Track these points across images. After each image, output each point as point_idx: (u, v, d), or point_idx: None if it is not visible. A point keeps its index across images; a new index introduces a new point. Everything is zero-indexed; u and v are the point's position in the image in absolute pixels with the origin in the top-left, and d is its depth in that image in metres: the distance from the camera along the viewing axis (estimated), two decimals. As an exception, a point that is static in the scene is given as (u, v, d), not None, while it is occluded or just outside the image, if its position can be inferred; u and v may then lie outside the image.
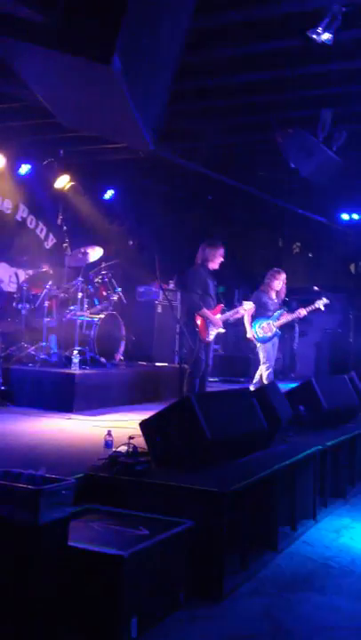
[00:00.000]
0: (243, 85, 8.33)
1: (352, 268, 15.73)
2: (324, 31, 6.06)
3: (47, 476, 3.30)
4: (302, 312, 8.63)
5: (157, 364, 10.34)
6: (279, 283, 8.68)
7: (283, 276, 8.71)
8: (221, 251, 7.76)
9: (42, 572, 3.09)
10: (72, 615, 3.24)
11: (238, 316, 8.12)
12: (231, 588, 3.88)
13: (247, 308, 8.11)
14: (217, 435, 4.47)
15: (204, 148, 10.46)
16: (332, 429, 6.16)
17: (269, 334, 8.48)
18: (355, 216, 14.21)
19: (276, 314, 8.53)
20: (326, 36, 6.09)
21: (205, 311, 7.48)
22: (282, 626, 3.48)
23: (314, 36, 6.14)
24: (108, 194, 12.09)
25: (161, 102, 4.64)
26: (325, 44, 6.20)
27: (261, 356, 8.55)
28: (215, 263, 7.72)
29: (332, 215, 14.30)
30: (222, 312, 7.80)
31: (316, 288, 13.38)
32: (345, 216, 14.29)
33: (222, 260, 7.80)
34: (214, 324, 7.55)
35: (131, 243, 11.66)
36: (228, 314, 7.87)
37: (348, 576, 4.20)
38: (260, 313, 8.47)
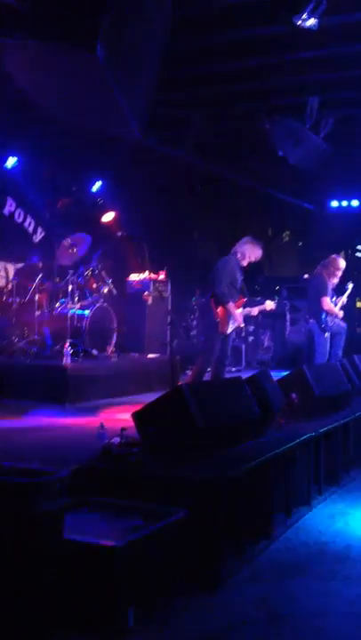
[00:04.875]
0: (230, 73, 8.32)
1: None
2: (310, 17, 6.05)
3: (41, 468, 3.29)
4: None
5: (149, 355, 10.32)
6: (340, 271, 8.58)
7: (343, 265, 8.61)
8: (260, 253, 7.64)
9: (38, 565, 3.07)
10: (68, 606, 3.24)
11: (255, 312, 7.88)
12: (227, 575, 3.88)
13: (269, 307, 7.87)
14: (210, 423, 4.46)
15: (192, 136, 10.43)
16: (325, 416, 6.16)
17: (334, 323, 8.42)
18: (344, 203, 14.20)
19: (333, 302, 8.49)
20: (311, 22, 6.09)
21: (231, 304, 7.34)
22: (278, 612, 3.49)
23: (299, 22, 6.13)
24: (97, 185, 12.04)
25: (147, 90, 4.62)
26: (311, 30, 6.19)
27: (324, 345, 8.39)
28: (249, 260, 7.58)
29: (321, 203, 14.29)
30: (243, 307, 7.59)
31: (306, 276, 13.36)
32: (335, 203, 14.27)
33: (255, 261, 7.67)
34: (236, 318, 7.42)
35: (120, 234, 11.60)
36: (248, 309, 7.67)
37: (343, 561, 4.20)
38: None
